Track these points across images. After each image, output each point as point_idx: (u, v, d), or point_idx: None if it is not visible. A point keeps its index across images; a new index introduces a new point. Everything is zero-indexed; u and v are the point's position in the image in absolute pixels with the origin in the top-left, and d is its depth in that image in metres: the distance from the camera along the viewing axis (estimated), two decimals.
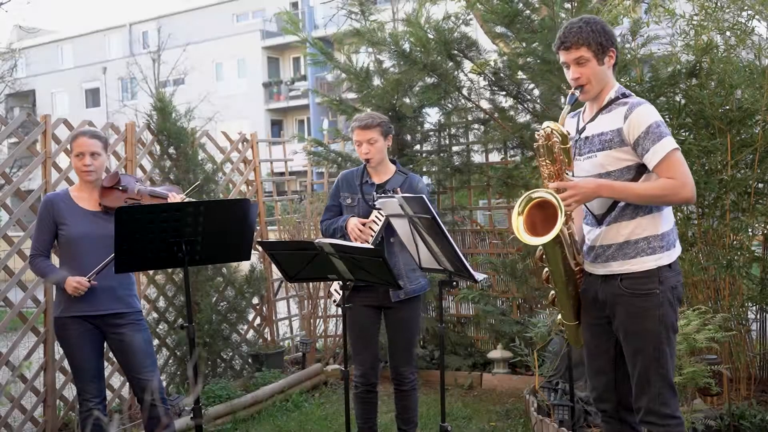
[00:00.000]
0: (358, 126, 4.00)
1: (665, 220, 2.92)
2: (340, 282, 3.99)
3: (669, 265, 2.89)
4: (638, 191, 2.85)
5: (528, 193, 2.87)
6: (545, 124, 2.86)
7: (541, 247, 2.92)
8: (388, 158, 4.13)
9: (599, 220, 2.97)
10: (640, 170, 2.88)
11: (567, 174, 2.89)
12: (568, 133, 2.89)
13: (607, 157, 2.91)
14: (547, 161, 2.86)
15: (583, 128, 3.03)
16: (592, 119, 3.00)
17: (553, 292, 3.10)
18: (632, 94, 3.00)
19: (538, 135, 2.85)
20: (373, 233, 3.91)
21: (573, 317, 3.11)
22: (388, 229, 3.92)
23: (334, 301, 4.13)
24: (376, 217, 3.93)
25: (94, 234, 3.71)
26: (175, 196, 3.85)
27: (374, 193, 3.97)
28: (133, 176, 4.06)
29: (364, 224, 3.94)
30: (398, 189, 3.88)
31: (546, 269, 3.01)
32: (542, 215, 2.82)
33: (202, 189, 5.60)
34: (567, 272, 2.99)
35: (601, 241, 2.96)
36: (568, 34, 2.92)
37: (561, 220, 2.74)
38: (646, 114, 2.84)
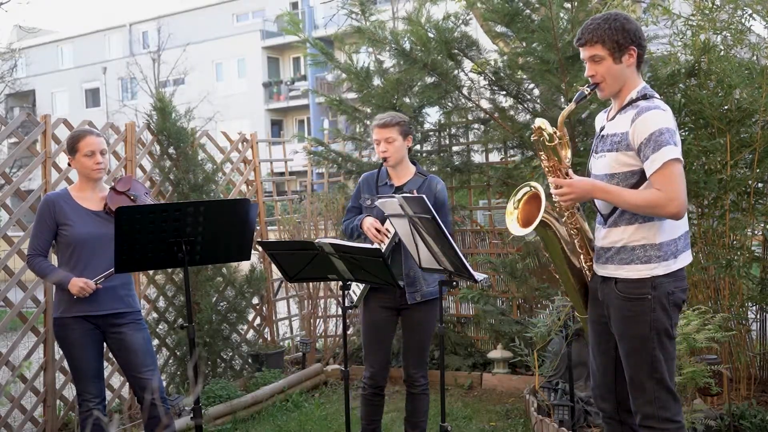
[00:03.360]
0: (377, 124, 3.99)
1: (666, 230, 2.86)
2: (357, 283, 3.99)
3: (666, 273, 2.85)
4: (627, 198, 2.82)
5: (518, 189, 2.97)
6: (537, 120, 2.90)
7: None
8: (409, 159, 4.10)
9: (605, 220, 2.97)
10: (644, 176, 2.84)
11: (569, 171, 2.91)
12: (555, 133, 2.89)
13: (614, 159, 2.90)
14: (545, 156, 2.92)
15: (604, 126, 3.03)
16: (612, 118, 2.99)
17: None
18: (654, 95, 2.92)
19: (532, 128, 2.91)
20: (389, 235, 3.90)
21: (584, 310, 3.15)
22: None
23: (351, 301, 4.11)
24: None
25: (98, 234, 3.71)
26: None
27: (393, 195, 3.95)
28: (143, 185, 4.07)
29: (379, 228, 3.92)
30: (414, 191, 3.86)
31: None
32: (537, 206, 2.89)
33: (202, 189, 5.61)
34: (569, 266, 3.04)
35: (603, 243, 2.97)
36: (584, 31, 2.90)
37: (542, 211, 2.83)
38: (651, 120, 2.78)
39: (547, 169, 2.94)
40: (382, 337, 4.03)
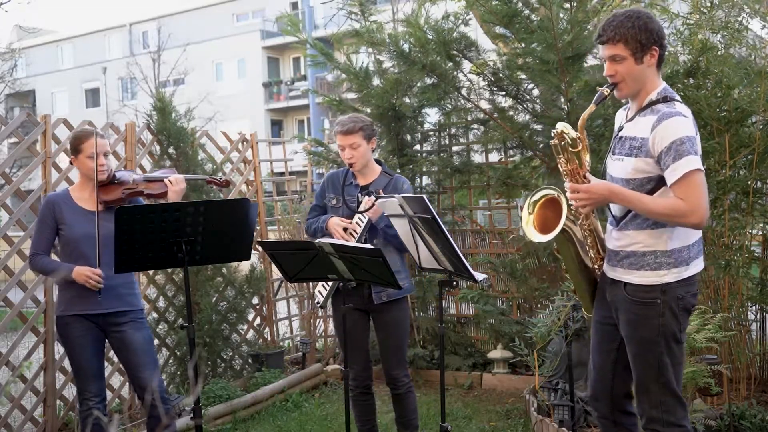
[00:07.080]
0: (340, 131, 3.97)
1: (677, 236, 2.82)
2: (323, 284, 4.00)
3: (677, 280, 2.81)
4: (648, 205, 2.76)
5: (534, 191, 2.89)
6: (558, 125, 2.82)
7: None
8: (374, 159, 4.11)
9: (617, 222, 2.94)
10: (660, 183, 2.80)
11: (586, 174, 2.84)
12: (578, 138, 2.82)
13: (632, 165, 2.84)
14: (564, 159, 2.84)
15: (622, 127, 2.97)
16: (631, 119, 2.92)
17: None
18: (675, 98, 2.85)
19: (554, 133, 2.82)
20: (354, 237, 3.91)
21: (592, 308, 3.14)
22: (370, 231, 3.92)
23: (317, 302, 4.12)
24: (358, 220, 3.92)
25: (94, 234, 3.70)
26: (173, 176, 3.88)
27: (358, 194, 3.96)
28: (125, 170, 4.08)
29: (346, 227, 3.92)
30: (380, 190, 3.87)
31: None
32: (554, 211, 2.83)
33: (202, 189, 5.61)
34: (581, 267, 3.02)
35: (614, 245, 2.94)
36: (606, 28, 2.80)
37: (563, 219, 2.76)
38: (673, 128, 2.71)
39: (565, 173, 2.86)
40: (355, 338, 3.99)
